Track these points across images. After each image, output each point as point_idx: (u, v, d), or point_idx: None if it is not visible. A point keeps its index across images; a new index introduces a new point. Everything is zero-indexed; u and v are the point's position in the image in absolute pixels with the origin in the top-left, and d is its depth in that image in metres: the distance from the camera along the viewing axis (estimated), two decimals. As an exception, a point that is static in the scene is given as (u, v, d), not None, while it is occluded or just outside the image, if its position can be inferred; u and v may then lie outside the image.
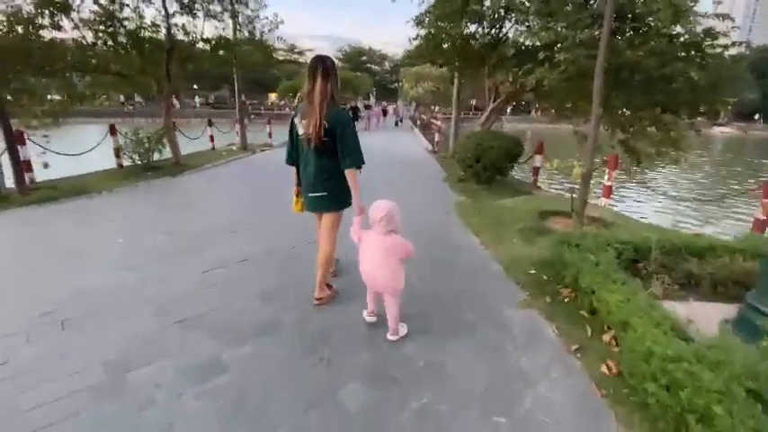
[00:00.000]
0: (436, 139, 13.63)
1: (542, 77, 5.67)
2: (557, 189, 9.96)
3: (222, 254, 3.66)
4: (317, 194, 2.57)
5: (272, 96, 53.14)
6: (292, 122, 2.58)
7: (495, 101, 7.77)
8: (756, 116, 55.96)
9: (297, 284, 3.04)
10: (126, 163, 7.97)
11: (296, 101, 18.25)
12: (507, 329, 2.50)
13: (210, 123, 11.47)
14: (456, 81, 10.92)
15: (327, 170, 2.48)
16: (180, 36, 8.39)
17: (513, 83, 6.01)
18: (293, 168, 2.76)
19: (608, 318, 2.32)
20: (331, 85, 2.38)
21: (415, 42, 8.46)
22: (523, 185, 7.83)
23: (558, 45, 5.44)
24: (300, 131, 2.49)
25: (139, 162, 7.73)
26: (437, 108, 35.44)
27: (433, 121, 23.60)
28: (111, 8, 7.58)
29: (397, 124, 26.38)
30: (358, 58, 66.29)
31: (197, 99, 50.10)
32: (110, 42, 7.73)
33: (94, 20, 7.43)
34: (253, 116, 44.74)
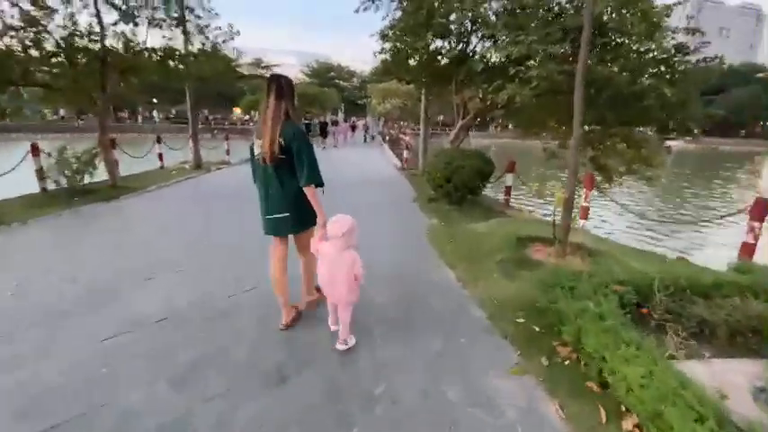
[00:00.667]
0: (405, 155, 13.26)
1: (514, 94, 5.34)
2: (528, 207, 9.75)
3: (136, 309, 2.89)
4: (281, 216, 2.50)
5: (237, 111, 51.79)
6: (253, 143, 2.53)
7: (463, 118, 7.44)
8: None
9: (223, 356, 2.34)
10: (52, 187, 6.91)
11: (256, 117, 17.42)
12: (499, 411, 1.93)
13: (159, 140, 10.44)
14: (423, 98, 10.61)
15: (288, 189, 2.43)
16: (119, 45, 7.54)
17: (483, 100, 5.66)
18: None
19: (627, 399, 1.80)
20: (285, 103, 2.37)
21: (381, 57, 8.05)
22: (495, 204, 7.48)
23: (529, 61, 5.15)
24: (256, 151, 2.46)
25: (66, 186, 6.72)
26: (405, 124, 35.56)
27: (401, 136, 23.43)
28: (34, 14, 6.67)
29: (365, 140, 26.00)
30: (326, 73, 66.03)
31: (155, 113, 47.78)
32: (34, 51, 6.77)
33: (19, 27, 6.49)
34: (216, 131, 43.27)
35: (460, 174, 6.24)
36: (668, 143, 6.91)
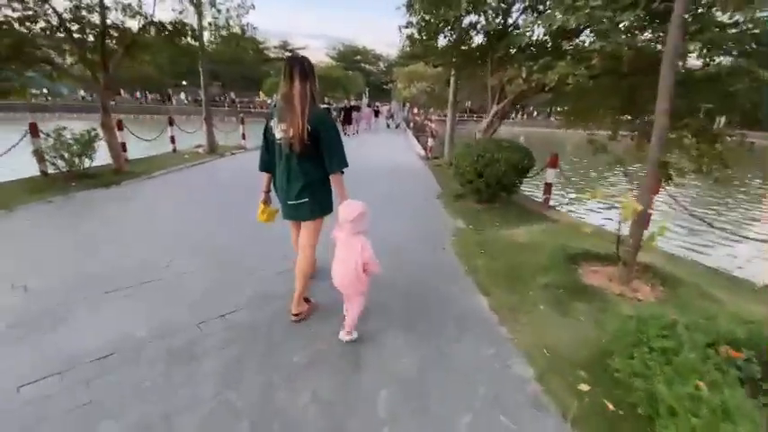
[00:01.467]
0: (429, 143, 12.32)
1: (566, 73, 4.38)
2: (570, 209, 8.69)
3: (77, 339, 2.27)
4: (299, 201, 2.40)
5: (262, 94, 51.75)
6: (267, 126, 2.42)
7: (499, 103, 6.50)
8: None
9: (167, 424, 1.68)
10: (51, 170, 6.51)
11: (271, 101, 16.91)
12: None
13: (171, 122, 9.96)
14: (452, 81, 9.62)
15: (308, 175, 2.35)
16: (121, 16, 6.97)
17: (527, 80, 4.72)
18: (266, 175, 2.58)
19: None
20: (311, 86, 2.26)
21: (406, 31, 7.15)
22: (532, 204, 6.55)
23: (589, 31, 4.18)
24: (278, 135, 2.34)
25: (66, 169, 6.30)
26: (431, 110, 34.19)
27: (427, 123, 22.36)
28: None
29: (388, 126, 25.02)
30: (352, 57, 64.79)
31: (182, 96, 48.23)
32: (35, 26, 6.29)
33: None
34: (242, 114, 43.21)
35: (494, 168, 5.36)
36: (750, 138, 5.75)
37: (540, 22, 4.41)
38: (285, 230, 2.84)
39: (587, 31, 4.84)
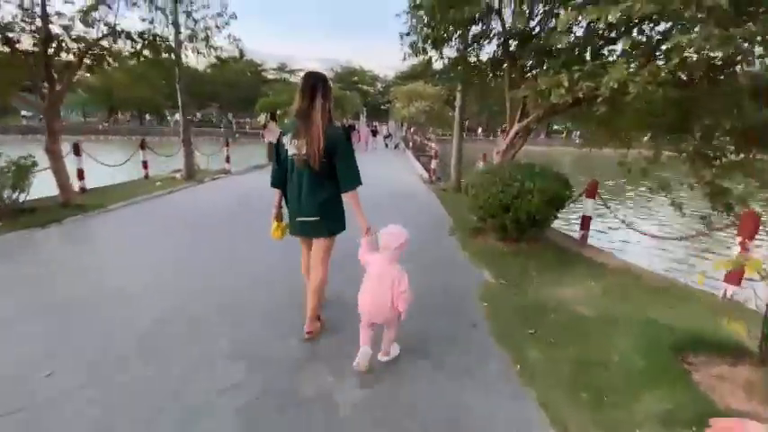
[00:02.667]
0: (432, 166, 11.25)
1: (625, 78, 3.30)
2: (610, 244, 7.47)
3: None
4: (311, 219, 2.36)
5: (262, 115, 51.39)
6: (279, 142, 2.40)
7: (521, 120, 5.42)
8: None
9: None
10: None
11: (262, 118, 16.11)
12: None
13: (143, 146, 8.82)
14: (459, 97, 8.62)
15: (322, 192, 2.32)
16: (78, 26, 5.96)
17: (570, 90, 3.63)
18: (277, 191, 2.53)
19: None
20: (328, 104, 2.27)
21: (408, 40, 6.14)
22: (563, 239, 5.38)
23: (666, 21, 3.13)
24: (291, 152, 2.30)
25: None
26: (430, 129, 33.46)
27: (427, 142, 21.44)
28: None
29: (386, 146, 24.07)
30: (349, 78, 64.81)
31: (177, 116, 47.61)
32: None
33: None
34: (237, 135, 42.45)
35: (526, 201, 4.21)
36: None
37: (586, 13, 3.34)
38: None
39: (646, 27, 3.79)
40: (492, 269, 3.93)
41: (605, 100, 3.44)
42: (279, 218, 2.58)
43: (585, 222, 5.14)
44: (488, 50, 6.85)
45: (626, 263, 4.32)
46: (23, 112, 38.44)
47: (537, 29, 5.06)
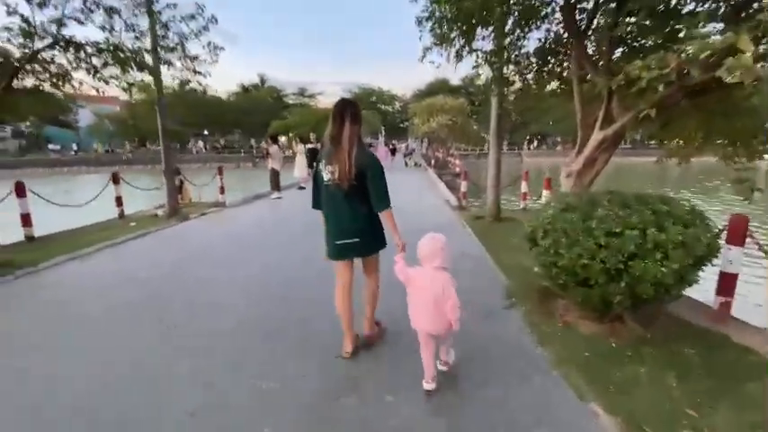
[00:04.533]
0: (462, 189, 9.43)
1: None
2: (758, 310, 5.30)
3: None
4: (350, 241, 2.46)
5: (283, 139, 51.58)
6: (317, 169, 2.49)
7: (602, 126, 3.59)
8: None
9: None
10: None
11: (263, 141, 14.90)
12: None
13: (116, 180, 7.45)
14: (495, 101, 6.86)
15: (360, 214, 2.42)
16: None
17: (707, 68, 1.81)
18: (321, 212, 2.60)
19: None
20: (358, 128, 2.37)
21: (427, 26, 4.54)
22: (687, 310, 3.41)
23: None
24: (326, 177, 2.40)
25: None
26: (451, 144, 31.67)
27: (450, 159, 19.69)
28: None
29: (406, 164, 22.42)
30: (368, 98, 64.56)
31: (200, 144, 48.23)
32: None
33: None
34: (258, 159, 42.10)
35: (653, 261, 2.35)
36: None
37: None
38: None
39: None
40: (607, 398, 2.07)
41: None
42: None
43: (727, 282, 3.18)
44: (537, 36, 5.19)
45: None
46: (50, 146, 39.58)
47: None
